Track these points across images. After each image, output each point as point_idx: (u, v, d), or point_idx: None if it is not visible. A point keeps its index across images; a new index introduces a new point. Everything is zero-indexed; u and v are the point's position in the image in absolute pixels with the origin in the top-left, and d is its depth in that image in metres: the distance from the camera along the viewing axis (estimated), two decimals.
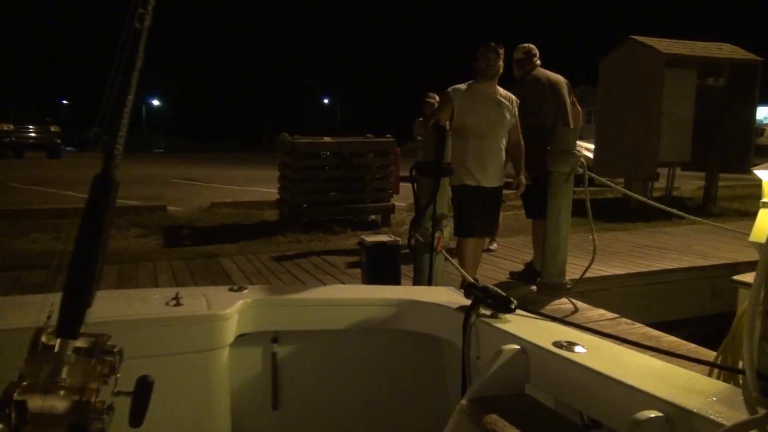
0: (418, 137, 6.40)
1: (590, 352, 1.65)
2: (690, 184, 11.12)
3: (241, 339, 2.12)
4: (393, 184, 7.50)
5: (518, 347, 1.78)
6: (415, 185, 3.58)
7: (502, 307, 2.12)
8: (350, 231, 6.98)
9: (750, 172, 9.79)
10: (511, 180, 4.33)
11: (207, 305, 2.06)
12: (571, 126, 4.65)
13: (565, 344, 1.70)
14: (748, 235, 6.12)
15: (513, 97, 4.19)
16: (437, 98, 6.49)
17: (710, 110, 9.04)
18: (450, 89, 4.15)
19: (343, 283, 4.66)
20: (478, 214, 4.17)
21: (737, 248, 5.93)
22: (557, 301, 4.17)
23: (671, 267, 5.15)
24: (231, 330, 2.06)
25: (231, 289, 2.32)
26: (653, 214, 7.86)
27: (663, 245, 6.25)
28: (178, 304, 2.01)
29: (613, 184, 5.93)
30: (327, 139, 7.23)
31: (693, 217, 6.12)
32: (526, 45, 4.82)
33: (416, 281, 3.61)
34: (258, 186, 11.73)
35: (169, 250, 6.04)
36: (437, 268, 3.48)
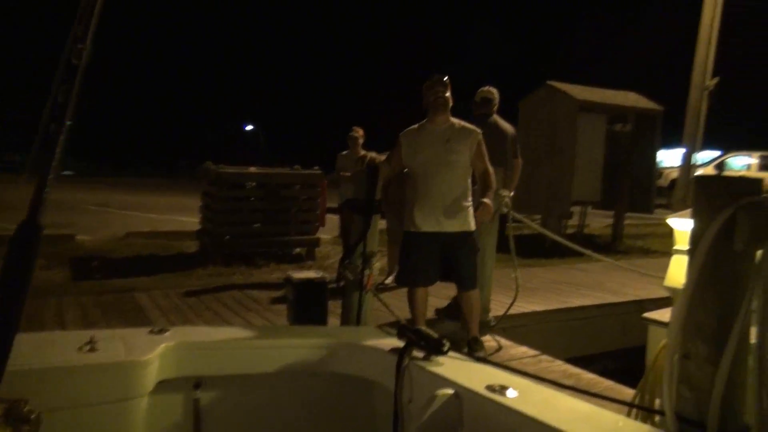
0: (342, 173, 6.36)
1: (521, 396, 1.68)
2: (598, 221, 11.80)
3: (162, 385, 1.99)
4: (319, 216, 7.46)
5: (452, 391, 1.78)
6: (346, 221, 3.56)
7: (434, 349, 2.13)
8: (274, 264, 6.84)
9: (652, 212, 10.50)
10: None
11: (125, 350, 1.94)
12: (511, 176, 4.76)
13: (497, 388, 1.72)
14: (651, 274, 6.54)
15: (470, 127, 3.79)
16: (361, 132, 6.51)
17: (618, 153, 9.70)
18: (402, 132, 3.89)
19: (268, 320, 4.53)
20: (422, 263, 3.81)
21: (642, 285, 6.32)
22: (482, 338, 4.25)
23: (586, 304, 5.41)
24: (151, 376, 1.94)
25: (151, 332, 2.19)
26: (567, 251, 8.25)
27: (577, 282, 6.56)
28: (92, 350, 1.87)
29: (530, 222, 6.19)
30: (253, 169, 7.11)
31: (602, 257, 6.47)
32: (486, 90, 4.84)
33: (344, 320, 3.57)
34: (177, 215, 11.29)
35: (77, 283, 5.65)
36: (366, 306, 3.46)
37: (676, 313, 1.61)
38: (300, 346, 2.29)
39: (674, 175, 16.22)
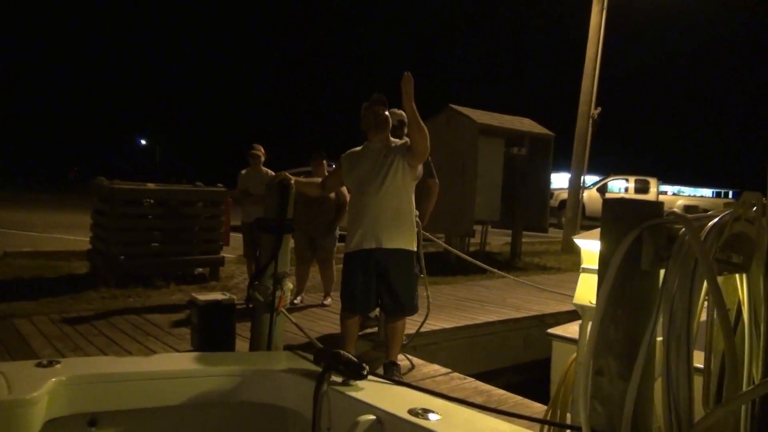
0: (250, 191, 6.16)
1: (444, 419, 1.68)
2: (498, 239, 12.32)
3: (51, 425, 1.80)
4: (223, 235, 7.16)
5: (374, 417, 1.75)
6: (256, 240, 3.41)
7: (354, 373, 2.08)
8: (174, 285, 6.47)
9: (547, 231, 11.06)
10: None
11: (8, 386, 1.74)
12: (427, 197, 4.79)
13: (420, 412, 1.71)
14: (549, 290, 6.85)
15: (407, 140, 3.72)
16: (263, 150, 6.34)
17: (514, 175, 10.20)
18: (344, 154, 3.79)
19: (170, 345, 4.24)
20: (358, 286, 3.59)
21: (542, 300, 6.64)
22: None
23: (491, 320, 5.57)
24: (39, 416, 1.74)
25: (39, 365, 1.98)
26: (471, 268, 8.52)
27: (482, 298, 6.76)
28: None
29: (439, 241, 6.34)
30: (151, 185, 6.70)
31: (505, 274, 6.74)
32: (400, 113, 4.73)
33: (253, 344, 3.41)
34: (63, 233, 10.41)
35: None
36: (277, 329, 3.33)
37: (589, 331, 1.67)
38: (207, 375, 2.17)
39: (563, 196, 17.36)
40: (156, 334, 4.55)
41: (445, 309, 5.88)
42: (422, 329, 4.60)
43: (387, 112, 3.71)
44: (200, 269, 7.08)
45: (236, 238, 7.95)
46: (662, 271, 1.56)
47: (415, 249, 3.72)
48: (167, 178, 6.93)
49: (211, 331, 3.83)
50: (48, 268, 6.95)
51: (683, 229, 1.52)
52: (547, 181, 10.56)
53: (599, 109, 12.09)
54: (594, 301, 2.36)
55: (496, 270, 6.72)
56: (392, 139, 3.77)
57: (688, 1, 14.35)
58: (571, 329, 4.30)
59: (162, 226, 6.56)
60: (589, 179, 19.12)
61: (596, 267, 2.03)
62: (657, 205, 1.63)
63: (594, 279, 2.41)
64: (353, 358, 2.13)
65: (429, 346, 4.87)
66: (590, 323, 2.57)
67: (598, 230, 2.62)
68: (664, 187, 21.33)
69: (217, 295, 4.00)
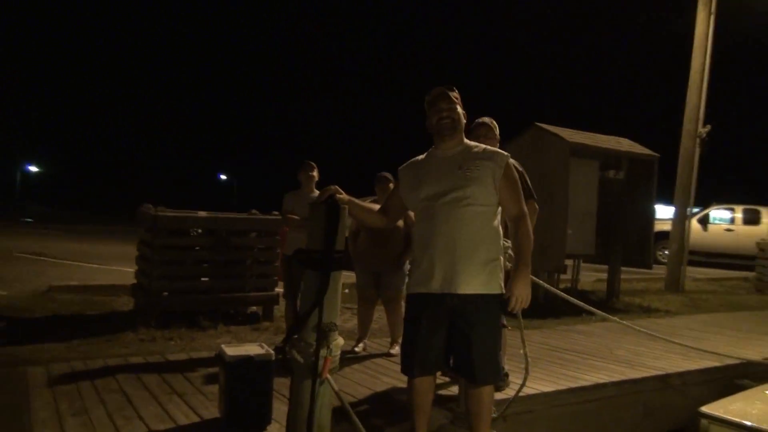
0: (289, 215, 5.10)
1: None
2: (588, 276, 10.91)
3: None
4: (279, 269, 6.39)
5: None
6: (294, 278, 2.60)
7: None
8: (222, 326, 5.71)
9: (651, 267, 9.57)
10: None
11: None
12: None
13: None
14: (665, 338, 5.45)
15: (494, 150, 2.80)
16: (316, 168, 5.27)
17: (611, 203, 8.91)
18: (401, 167, 2.94)
19: (194, 410, 3.34)
20: (420, 340, 2.70)
21: (658, 353, 5.37)
22: None
23: (603, 380, 4.37)
24: None
25: None
26: (562, 309, 7.30)
27: (581, 348, 5.55)
28: None
29: (536, 279, 5.23)
30: (201, 213, 6.04)
31: (611, 317, 5.52)
32: (490, 121, 4.01)
33: (291, 419, 2.51)
34: (126, 265, 10.05)
35: None
36: (322, 401, 2.42)
37: None
38: None
39: (661, 227, 15.55)
40: (184, 391, 3.71)
41: (539, 363, 4.74)
42: (514, 392, 3.54)
43: (457, 109, 2.76)
44: (254, 307, 6.32)
45: None
46: None
47: (502, 292, 2.71)
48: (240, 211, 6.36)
49: (241, 396, 2.96)
50: (92, 303, 6.38)
51: None
52: (651, 210, 9.16)
53: (708, 127, 10.58)
54: None
55: (602, 312, 5.51)
56: (469, 142, 2.83)
57: None
58: (733, 408, 3.12)
59: (210, 258, 5.86)
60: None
61: None
62: None
63: None
64: None
65: (523, 415, 3.77)
66: None
67: None
68: None
69: (252, 348, 3.13)
